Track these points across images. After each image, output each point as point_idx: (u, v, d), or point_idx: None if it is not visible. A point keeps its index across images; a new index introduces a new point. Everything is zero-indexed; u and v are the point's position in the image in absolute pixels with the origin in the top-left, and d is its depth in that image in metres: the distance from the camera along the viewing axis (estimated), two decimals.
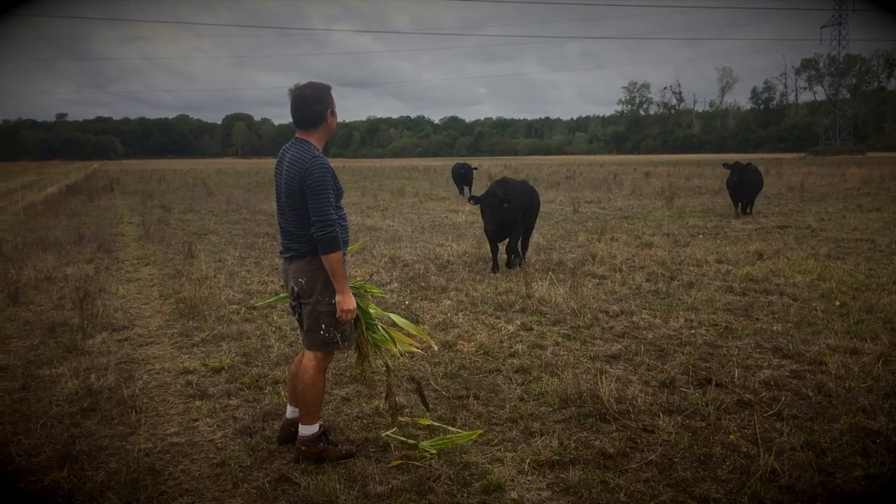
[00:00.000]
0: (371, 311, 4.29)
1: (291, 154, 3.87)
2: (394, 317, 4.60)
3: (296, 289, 3.94)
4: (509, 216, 9.39)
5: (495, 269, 9.64)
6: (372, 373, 4.59)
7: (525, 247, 10.45)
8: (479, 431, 4.29)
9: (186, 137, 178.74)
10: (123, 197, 26.43)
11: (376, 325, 4.28)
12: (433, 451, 4.03)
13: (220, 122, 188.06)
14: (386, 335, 4.28)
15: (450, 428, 4.33)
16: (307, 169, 3.75)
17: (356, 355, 4.37)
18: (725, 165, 15.87)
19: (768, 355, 5.75)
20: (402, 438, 4.20)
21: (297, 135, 3.96)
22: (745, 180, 15.51)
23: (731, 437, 4.20)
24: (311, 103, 3.89)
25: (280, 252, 4.05)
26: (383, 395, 4.41)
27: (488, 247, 10.11)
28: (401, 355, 5.12)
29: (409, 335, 4.56)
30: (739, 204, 16.20)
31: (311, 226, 3.78)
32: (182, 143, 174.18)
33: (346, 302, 3.84)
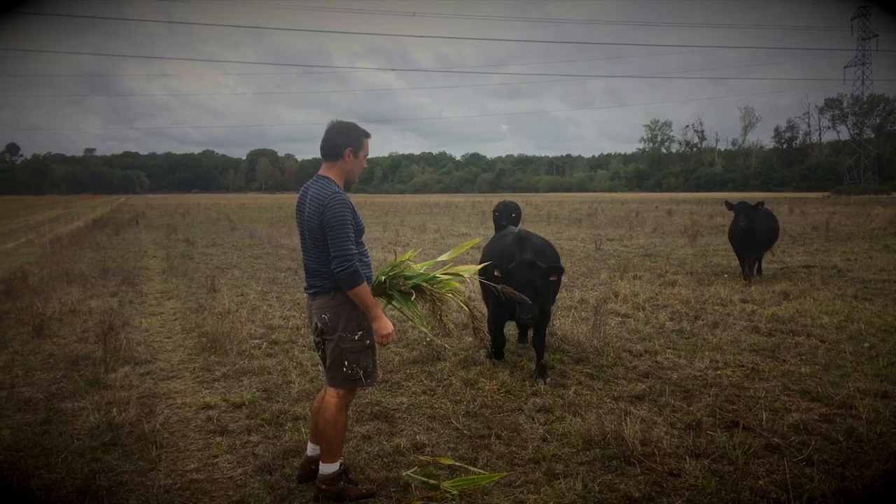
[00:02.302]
0: (422, 272, 4.28)
1: (313, 191, 3.91)
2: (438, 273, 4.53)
3: (319, 325, 3.94)
4: (551, 290, 6.56)
5: (499, 355, 6.88)
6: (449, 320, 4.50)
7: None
8: (503, 473, 4.22)
9: (211, 172, 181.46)
10: (148, 231, 26.78)
11: (435, 276, 4.25)
12: (454, 492, 3.96)
13: (244, 157, 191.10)
14: (446, 279, 4.26)
15: (471, 468, 4.27)
16: (325, 205, 3.78)
17: (432, 309, 4.24)
18: (728, 206, 12.06)
19: (796, 398, 5.63)
20: (423, 479, 4.14)
21: (320, 170, 4.01)
22: (755, 227, 11.66)
23: (760, 482, 4.10)
24: (334, 136, 3.95)
25: (304, 288, 4.07)
26: (472, 331, 4.41)
27: (489, 334, 6.67)
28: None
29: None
30: (748, 260, 12.01)
31: (331, 262, 3.79)
32: (207, 178, 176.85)
33: (383, 327, 3.86)
